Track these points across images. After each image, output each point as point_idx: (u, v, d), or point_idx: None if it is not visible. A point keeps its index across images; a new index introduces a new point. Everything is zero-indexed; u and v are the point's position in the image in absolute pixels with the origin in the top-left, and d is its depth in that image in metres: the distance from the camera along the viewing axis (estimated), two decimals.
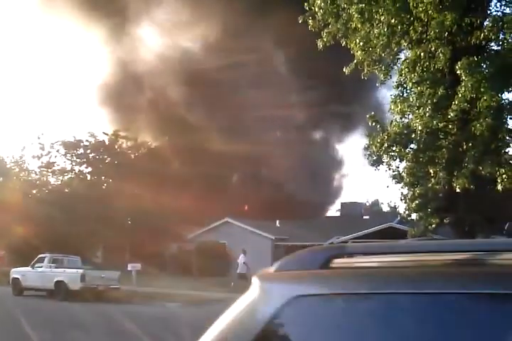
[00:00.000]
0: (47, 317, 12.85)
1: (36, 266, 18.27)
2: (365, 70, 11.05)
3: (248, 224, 31.59)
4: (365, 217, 36.52)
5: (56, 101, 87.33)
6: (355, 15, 9.41)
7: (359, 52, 10.61)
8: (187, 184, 31.94)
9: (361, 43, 10.52)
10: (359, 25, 10.10)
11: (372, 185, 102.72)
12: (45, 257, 18.40)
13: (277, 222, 35.04)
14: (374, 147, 11.63)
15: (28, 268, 18.52)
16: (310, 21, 10.82)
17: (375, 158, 11.98)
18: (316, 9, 10.42)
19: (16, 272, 19.02)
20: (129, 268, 20.81)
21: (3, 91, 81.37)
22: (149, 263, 24.38)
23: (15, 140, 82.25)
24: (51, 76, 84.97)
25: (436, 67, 9.55)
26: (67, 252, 20.36)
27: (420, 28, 9.71)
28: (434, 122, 10.14)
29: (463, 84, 9.07)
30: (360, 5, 9.15)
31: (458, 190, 10.53)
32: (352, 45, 10.80)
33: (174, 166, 32.38)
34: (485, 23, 10.04)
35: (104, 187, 30.89)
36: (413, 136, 10.94)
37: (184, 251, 32.16)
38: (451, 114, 9.71)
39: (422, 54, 9.49)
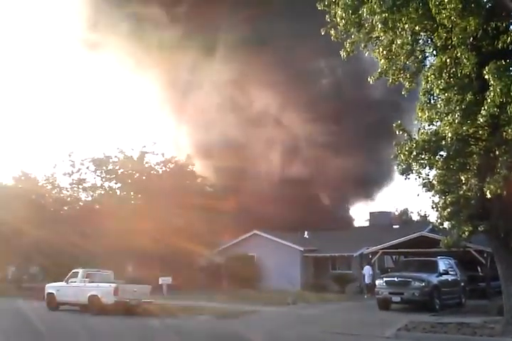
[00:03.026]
0: (85, 332, 12.97)
1: (70, 280, 18.59)
2: (390, 79, 11.01)
3: (276, 236, 31.51)
4: (394, 227, 35.96)
5: (92, 117, 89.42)
6: (378, 25, 9.41)
7: (383, 60, 10.59)
8: (215, 198, 32.15)
9: (384, 52, 10.49)
10: (382, 34, 10.09)
11: (400, 194, 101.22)
12: (78, 272, 18.72)
13: (306, 233, 34.85)
14: (402, 155, 11.54)
15: (63, 283, 18.86)
16: (332, 32, 10.86)
17: (404, 166, 11.88)
18: (338, 20, 10.46)
19: (51, 287, 19.37)
20: (160, 282, 20.99)
21: (38, 111, 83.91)
22: (179, 276, 24.52)
23: (47, 158, 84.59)
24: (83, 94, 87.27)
25: (463, 72, 9.45)
26: (99, 267, 20.72)
27: (444, 35, 9.64)
28: (464, 128, 10.00)
29: (491, 88, 8.93)
30: (384, 14, 9.15)
31: (489, 196, 10.32)
32: (375, 54, 10.79)
33: (202, 181, 32.68)
34: (511, 27, 9.92)
35: (132, 202, 31.29)
36: (443, 143, 10.80)
37: (213, 264, 32.26)
38: (481, 120, 9.56)
39: (447, 60, 9.42)
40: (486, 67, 9.13)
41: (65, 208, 32.12)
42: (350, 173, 39.44)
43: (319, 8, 10.77)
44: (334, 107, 39.10)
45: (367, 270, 25.13)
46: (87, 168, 31.60)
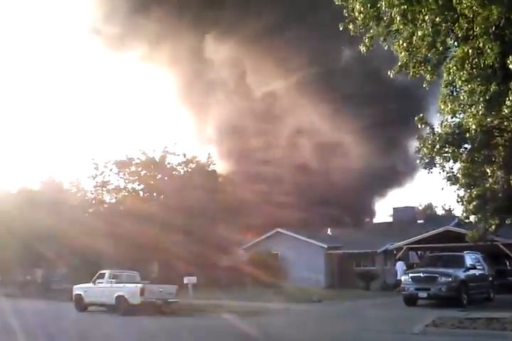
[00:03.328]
0: (115, 332, 13.14)
1: (97, 281, 18.84)
2: (411, 72, 10.85)
3: (300, 234, 31.45)
4: (419, 222, 35.57)
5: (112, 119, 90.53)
6: (398, 18, 9.28)
7: (403, 53, 10.44)
8: (237, 196, 32.26)
9: (405, 44, 10.34)
10: (401, 27, 9.94)
11: (424, 189, 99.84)
12: (105, 273, 18.97)
13: (329, 230, 34.72)
14: (425, 149, 11.41)
15: (90, 284, 19.12)
16: (351, 27, 10.74)
17: (427, 160, 11.74)
18: (356, 14, 10.34)
19: (79, 288, 19.62)
20: (185, 282, 21.12)
21: (62, 116, 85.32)
22: (204, 275, 24.66)
23: (71, 162, 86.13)
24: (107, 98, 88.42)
25: (486, 63, 9.27)
26: (125, 268, 21.02)
27: (466, 25, 9.46)
28: (489, 120, 9.82)
29: None
30: (403, 6, 9.02)
31: None
32: (395, 47, 10.64)
33: (224, 180, 32.85)
34: None
35: (155, 203, 31.60)
36: (467, 135, 10.63)
37: (237, 262, 32.35)
38: (506, 111, 9.38)
39: (469, 51, 9.24)
40: (510, 57, 8.93)
41: (90, 210, 32.63)
42: (366, 168, 39.16)
43: (337, 3, 10.68)
44: (351, 98, 38.87)
45: (400, 266, 24.82)
46: (111, 170, 32.03)
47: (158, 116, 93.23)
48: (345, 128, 39.96)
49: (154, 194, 32.28)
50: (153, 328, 13.71)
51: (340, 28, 10.92)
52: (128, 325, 14.74)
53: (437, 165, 11.95)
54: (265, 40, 38.98)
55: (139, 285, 17.37)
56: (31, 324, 13.94)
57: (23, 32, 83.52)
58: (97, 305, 18.93)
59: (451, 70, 9.81)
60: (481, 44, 9.08)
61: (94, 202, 32.87)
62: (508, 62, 8.89)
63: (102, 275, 18.96)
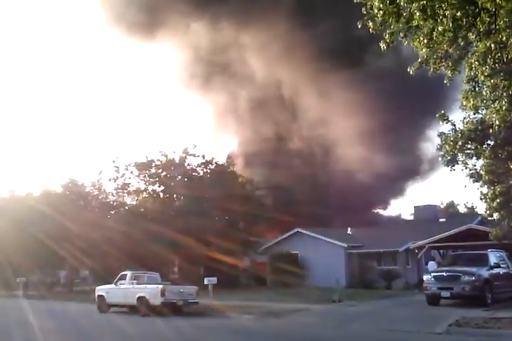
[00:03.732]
0: (140, 333, 13.23)
1: (119, 283, 19.03)
2: (431, 68, 10.69)
3: (319, 233, 31.30)
4: (441, 220, 35.14)
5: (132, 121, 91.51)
6: (417, 13, 9.16)
7: (424, 49, 10.29)
8: (256, 197, 32.27)
9: (425, 40, 10.19)
10: (421, 23, 9.80)
11: (446, 187, 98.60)
12: (126, 274, 19.14)
13: (349, 229, 34.50)
14: (447, 146, 11.24)
15: (112, 286, 19.32)
16: (370, 24, 10.62)
17: (448, 157, 11.57)
18: (375, 11, 10.22)
19: (101, 289, 19.87)
20: (205, 283, 21.18)
21: (85, 121, 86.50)
22: (224, 276, 24.70)
23: (93, 165, 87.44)
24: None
25: (509, 57, 9.10)
26: (146, 269, 21.20)
27: (488, 19, 9.29)
28: None
29: None
30: (422, 2, 8.90)
31: None
32: (415, 43, 10.49)
33: (243, 180, 32.92)
34: None
35: (177, 204, 31.77)
36: (490, 131, 10.44)
37: (257, 263, 32.34)
38: None
39: (492, 45, 9.08)
40: None
41: (112, 212, 32.97)
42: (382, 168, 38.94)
43: (355, 1, 10.57)
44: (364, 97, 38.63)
45: (431, 265, 24.53)
46: (131, 172, 32.28)
47: (176, 116, 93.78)
48: (358, 126, 39.79)
49: (174, 195, 32.45)
50: (175, 329, 13.76)
51: (359, 26, 10.81)
52: (149, 325, 14.83)
53: (460, 163, 11.76)
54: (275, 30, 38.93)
55: (160, 286, 17.48)
56: (62, 326, 14.14)
57: (34, 27, 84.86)
58: (119, 306, 19.11)
59: (473, 65, 9.66)
60: (504, 38, 8.92)
61: (115, 204, 33.20)
62: None
63: (123, 277, 19.14)
